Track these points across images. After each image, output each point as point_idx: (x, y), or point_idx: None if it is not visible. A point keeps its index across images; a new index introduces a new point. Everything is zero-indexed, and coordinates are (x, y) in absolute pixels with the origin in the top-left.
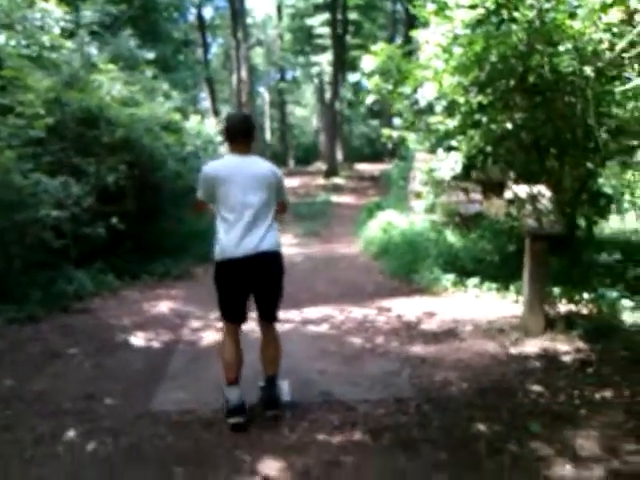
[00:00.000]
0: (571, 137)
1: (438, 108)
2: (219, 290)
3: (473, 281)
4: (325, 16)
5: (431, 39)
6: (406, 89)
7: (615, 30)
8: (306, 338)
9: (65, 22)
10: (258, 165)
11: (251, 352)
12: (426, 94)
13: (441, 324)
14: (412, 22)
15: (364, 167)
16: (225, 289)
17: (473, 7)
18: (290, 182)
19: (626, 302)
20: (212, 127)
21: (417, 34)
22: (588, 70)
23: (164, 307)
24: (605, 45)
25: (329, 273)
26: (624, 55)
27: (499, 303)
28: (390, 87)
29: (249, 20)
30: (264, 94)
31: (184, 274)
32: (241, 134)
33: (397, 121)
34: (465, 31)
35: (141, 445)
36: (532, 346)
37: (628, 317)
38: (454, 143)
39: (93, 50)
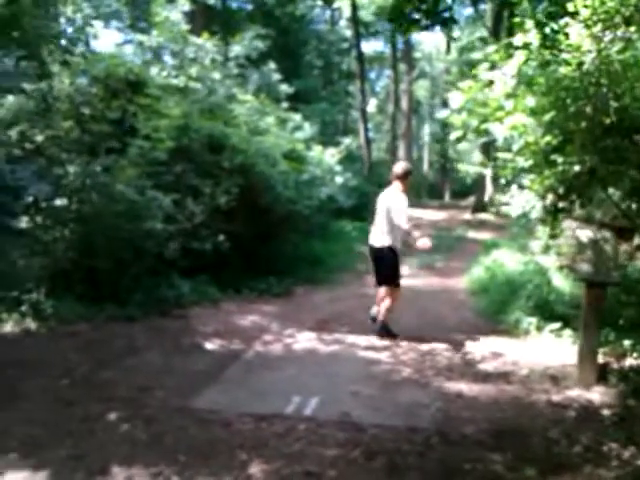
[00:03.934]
0: None
1: (515, 147)
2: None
3: (554, 326)
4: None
5: (497, 79)
6: (490, 126)
7: None
8: (359, 362)
9: (215, 55)
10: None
11: None
12: (497, 133)
13: (500, 365)
14: None
15: (503, 200)
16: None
17: (524, 47)
18: (437, 215)
19: None
20: (332, 157)
21: (484, 74)
22: None
23: (250, 320)
24: None
25: (421, 305)
26: None
27: (571, 350)
28: (475, 124)
29: (418, 53)
30: (425, 126)
31: (283, 292)
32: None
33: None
34: (527, 71)
35: (165, 433)
36: (575, 396)
37: None
38: (526, 182)
39: (234, 82)
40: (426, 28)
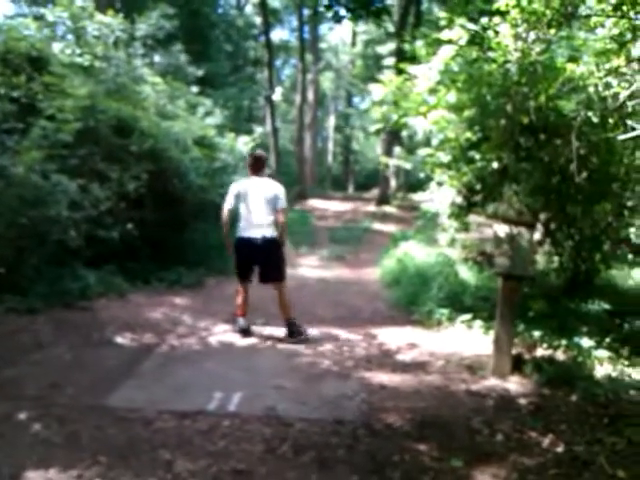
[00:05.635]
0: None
1: (434, 141)
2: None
3: (465, 317)
4: (392, 45)
5: (421, 74)
6: (410, 120)
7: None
8: (279, 355)
9: (120, 33)
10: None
11: None
12: (418, 127)
13: (417, 356)
14: None
15: (422, 196)
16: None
17: (449, 42)
18: (342, 206)
19: (603, 353)
20: (245, 145)
21: (409, 68)
22: (592, 115)
23: (161, 312)
24: (612, 91)
25: (335, 297)
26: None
27: (482, 341)
28: (395, 117)
29: (323, 45)
30: (330, 118)
31: (195, 284)
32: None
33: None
34: (452, 67)
35: (81, 433)
36: (493, 386)
37: (605, 368)
38: (445, 178)
39: (142, 62)
40: (359, 17)
